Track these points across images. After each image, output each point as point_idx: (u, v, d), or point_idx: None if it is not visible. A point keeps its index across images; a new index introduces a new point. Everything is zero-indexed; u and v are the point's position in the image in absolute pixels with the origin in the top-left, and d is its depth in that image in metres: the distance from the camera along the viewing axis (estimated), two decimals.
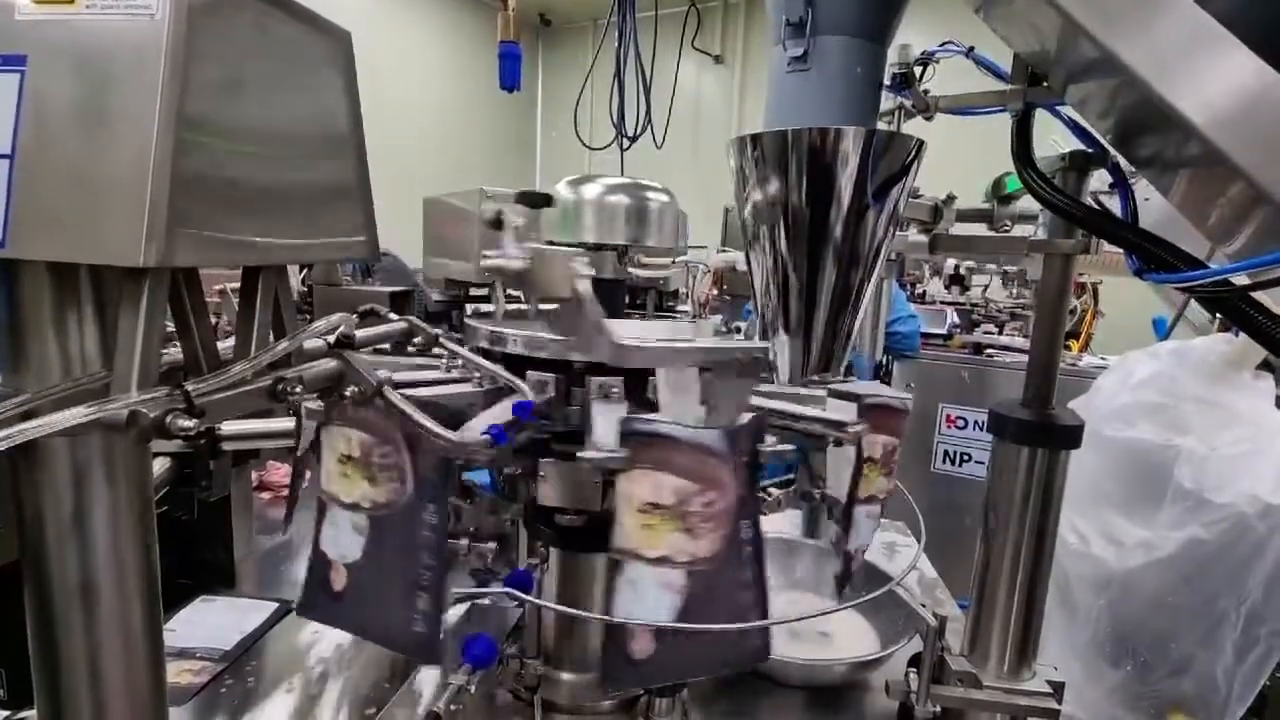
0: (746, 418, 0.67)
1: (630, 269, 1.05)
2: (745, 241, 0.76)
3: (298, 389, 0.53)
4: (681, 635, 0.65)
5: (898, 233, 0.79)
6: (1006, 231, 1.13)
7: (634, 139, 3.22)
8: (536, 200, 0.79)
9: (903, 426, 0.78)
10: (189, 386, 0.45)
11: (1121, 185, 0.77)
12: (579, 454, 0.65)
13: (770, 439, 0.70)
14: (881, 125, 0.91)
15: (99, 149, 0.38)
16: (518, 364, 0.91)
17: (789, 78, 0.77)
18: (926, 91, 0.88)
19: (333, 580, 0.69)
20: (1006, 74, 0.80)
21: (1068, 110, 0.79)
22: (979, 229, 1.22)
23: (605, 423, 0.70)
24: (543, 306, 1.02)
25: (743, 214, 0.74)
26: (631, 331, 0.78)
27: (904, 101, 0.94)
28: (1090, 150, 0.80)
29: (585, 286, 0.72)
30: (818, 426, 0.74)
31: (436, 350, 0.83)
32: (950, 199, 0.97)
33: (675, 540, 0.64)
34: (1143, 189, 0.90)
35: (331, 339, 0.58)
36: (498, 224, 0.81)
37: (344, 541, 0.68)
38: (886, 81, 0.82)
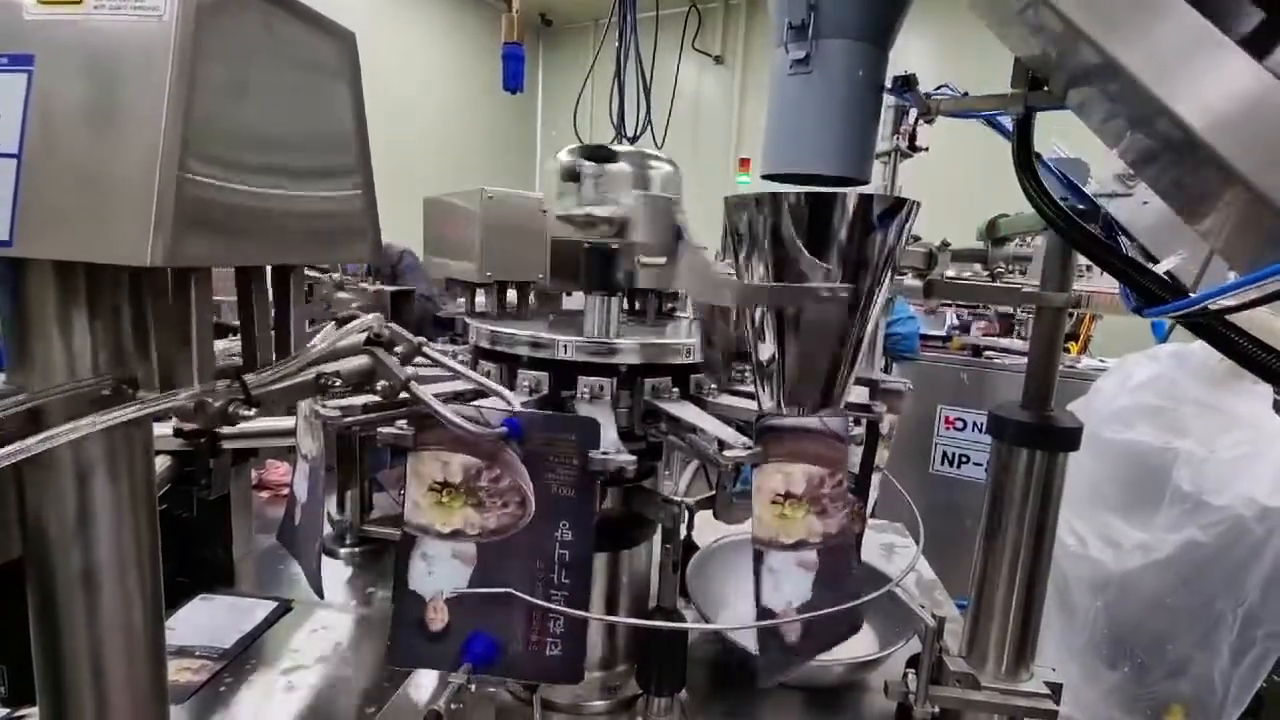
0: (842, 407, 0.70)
1: (630, 270, 1.06)
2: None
3: (337, 383, 0.57)
4: (810, 608, 0.69)
5: (894, 278, 0.80)
6: (1001, 272, 1.14)
7: (634, 139, 3.22)
8: (602, 155, 0.80)
9: (835, 455, 0.74)
10: (247, 379, 0.49)
11: (1110, 235, 0.78)
12: (725, 454, 0.68)
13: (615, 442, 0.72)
14: (877, 166, 0.92)
15: (106, 149, 0.38)
16: (512, 363, 0.91)
17: (790, 80, 0.77)
18: (928, 95, 0.88)
19: (430, 621, 0.67)
20: (1006, 129, 0.81)
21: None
22: (975, 266, 1.24)
23: (713, 422, 0.75)
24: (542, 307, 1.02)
25: (736, 266, 0.75)
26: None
27: (899, 145, 0.95)
28: (1082, 207, 0.82)
29: (685, 222, 0.74)
30: (703, 444, 0.78)
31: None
32: (944, 245, 0.98)
33: (810, 522, 0.68)
34: (1143, 192, 0.90)
35: (361, 339, 0.62)
36: (574, 175, 0.83)
37: (442, 574, 0.67)
38: (888, 84, 0.82)
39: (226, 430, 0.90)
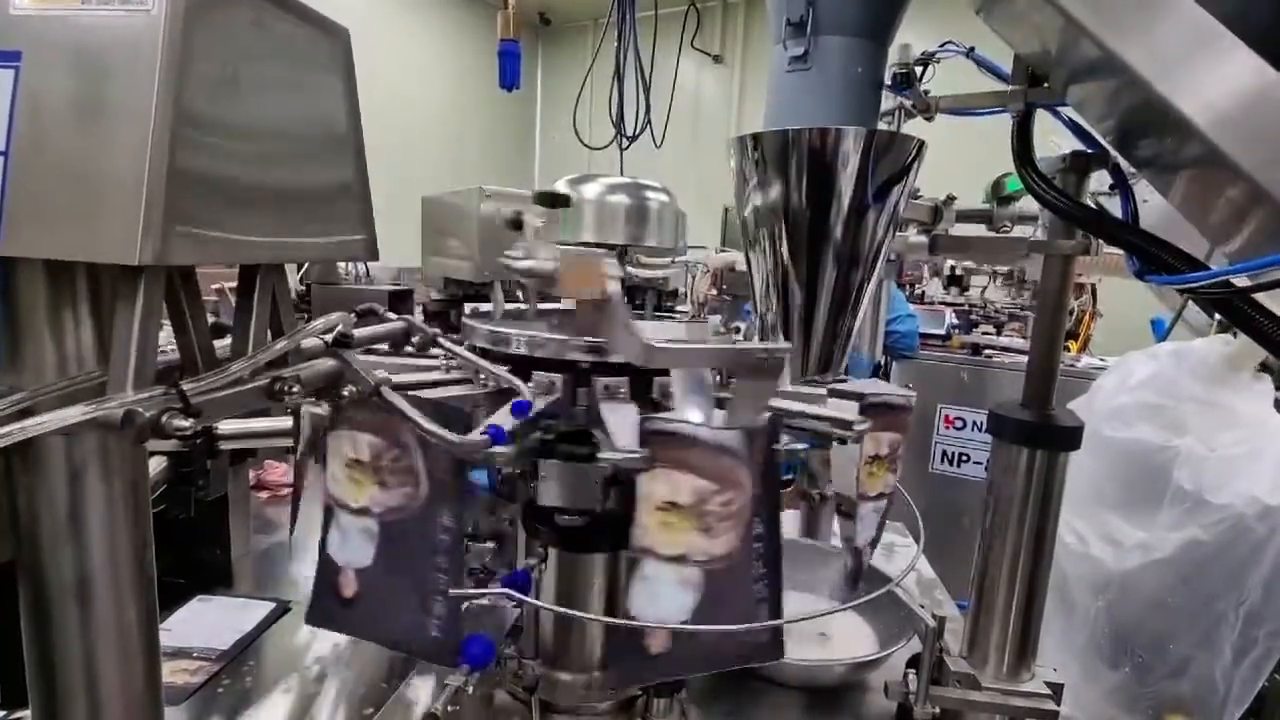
0: (764, 418, 0.67)
1: (629, 269, 1.05)
2: (745, 241, 0.76)
3: (295, 388, 0.53)
4: (690, 637, 0.66)
5: (897, 233, 0.79)
6: (1006, 232, 1.13)
7: (633, 138, 3.22)
8: (554, 200, 0.79)
9: (907, 423, 0.79)
10: (185, 386, 0.44)
11: (1122, 186, 0.77)
12: (599, 454, 0.66)
13: (783, 438, 0.70)
14: (882, 125, 0.91)
15: (95, 146, 0.38)
16: (519, 364, 0.91)
17: (789, 77, 0.77)
18: (927, 92, 0.87)
19: (342, 586, 0.68)
20: (1007, 74, 0.80)
21: (1068, 111, 0.79)
22: (979, 229, 1.22)
23: (622, 423, 0.71)
24: (542, 306, 1.02)
25: (742, 214, 0.74)
26: (668, 333, 0.78)
27: (904, 101, 0.94)
28: (1091, 151, 0.80)
29: (615, 288, 0.72)
30: (825, 425, 0.74)
31: (436, 350, 0.83)
32: (950, 200, 0.96)
33: (692, 539, 0.64)
34: (1143, 189, 0.90)
35: (329, 338, 0.58)
36: (517, 225, 0.81)
37: (352, 547, 0.67)
38: (887, 81, 0.81)
39: (224, 430, 0.90)
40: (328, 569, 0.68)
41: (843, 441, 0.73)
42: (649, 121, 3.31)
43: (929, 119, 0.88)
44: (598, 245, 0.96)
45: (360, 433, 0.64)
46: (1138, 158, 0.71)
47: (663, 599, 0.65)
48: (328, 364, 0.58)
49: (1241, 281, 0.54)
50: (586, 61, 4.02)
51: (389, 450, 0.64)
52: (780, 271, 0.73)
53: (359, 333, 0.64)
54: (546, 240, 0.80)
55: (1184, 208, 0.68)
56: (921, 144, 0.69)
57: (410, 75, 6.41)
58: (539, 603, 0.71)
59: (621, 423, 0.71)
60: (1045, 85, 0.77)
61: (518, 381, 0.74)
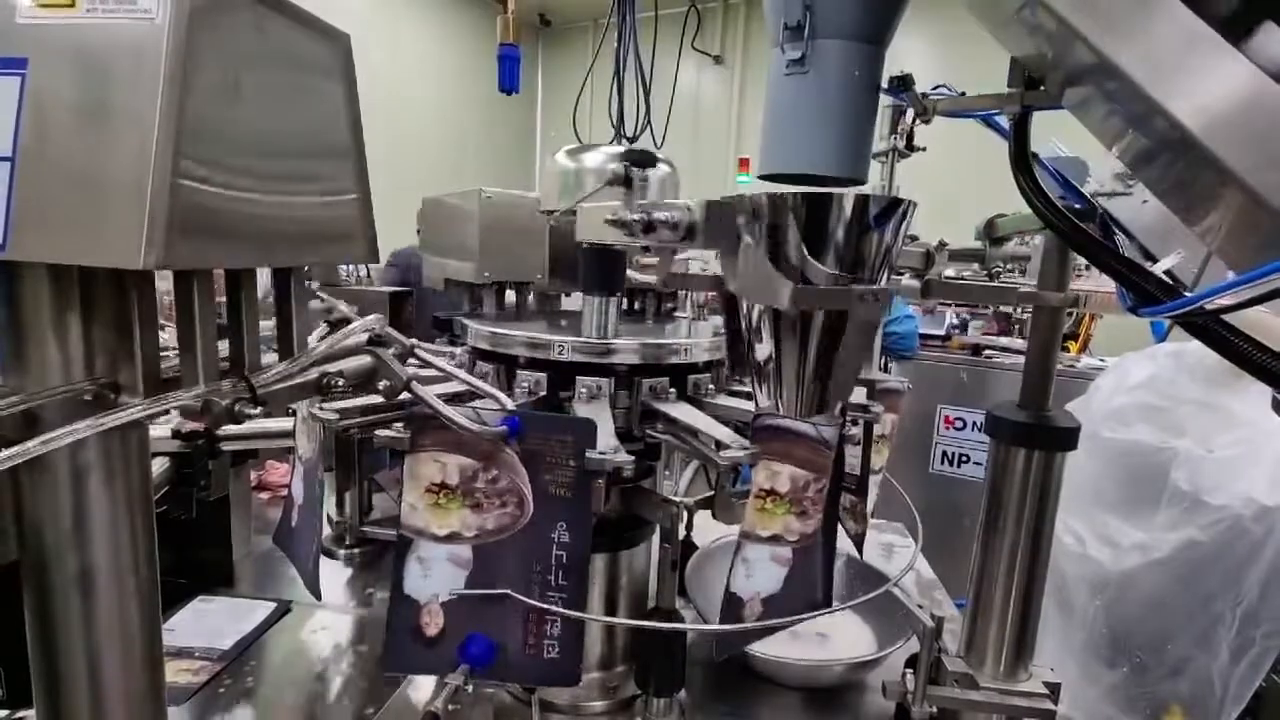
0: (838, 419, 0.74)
1: (629, 271, 1.06)
2: (737, 291, 0.77)
3: (340, 383, 0.58)
4: (778, 601, 0.74)
5: (891, 278, 0.81)
6: (999, 273, 1.14)
7: (634, 139, 3.22)
8: (645, 160, 0.80)
9: (820, 460, 0.75)
10: (252, 379, 0.49)
11: (1107, 235, 0.78)
12: (723, 454, 0.71)
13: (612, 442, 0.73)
14: (875, 165, 0.92)
15: (99, 152, 0.38)
16: (510, 364, 0.91)
17: (787, 80, 0.77)
18: (924, 95, 0.88)
19: (425, 626, 0.67)
20: (1003, 129, 0.81)
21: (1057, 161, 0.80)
22: (973, 265, 1.23)
23: (714, 425, 0.78)
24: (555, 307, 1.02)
25: (725, 266, 0.75)
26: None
27: (896, 145, 0.95)
28: (1079, 206, 0.82)
29: (755, 232, 0.73)
30: (699, 444, 0.79)
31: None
32: (941, 245, 0.98)
33: (788, 521, 0.71)
34: (1142, 191, 0.90)
35: (364, 339, 0.63)
36: (627, 181, 0.82)
37: (438, 578, 0.67)
38: (884, 84, 0.82)
39: (225, 431, 0.90)
40: (405, 609, 0.67)
41: (710, 463, 0.77)
42: (649, 122, 3.31)
43: (926, 122, 0.88)
44: None
45: (449, 454, 0.66)
46: (1133, 161, 0.72)
47: (757, 576, 0.72)
48: (365, 360, 0.62)
49: (1217, 303, 0.55)
50: (586, 62, 4.02)
51: (485, 471, 0.66)
52: (773, 323, 0.75)
53: (326, 345, 0.66)
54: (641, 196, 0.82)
55: (1180, 212, 0.68)
56: (912, 205, 0.71)
57: (410, 75, 6.42)
58: (539, 604, 0.71)
59: (709, 422, 0.79)
60: (1042, 88, 0.77)
61: (498, 394, 0.75)
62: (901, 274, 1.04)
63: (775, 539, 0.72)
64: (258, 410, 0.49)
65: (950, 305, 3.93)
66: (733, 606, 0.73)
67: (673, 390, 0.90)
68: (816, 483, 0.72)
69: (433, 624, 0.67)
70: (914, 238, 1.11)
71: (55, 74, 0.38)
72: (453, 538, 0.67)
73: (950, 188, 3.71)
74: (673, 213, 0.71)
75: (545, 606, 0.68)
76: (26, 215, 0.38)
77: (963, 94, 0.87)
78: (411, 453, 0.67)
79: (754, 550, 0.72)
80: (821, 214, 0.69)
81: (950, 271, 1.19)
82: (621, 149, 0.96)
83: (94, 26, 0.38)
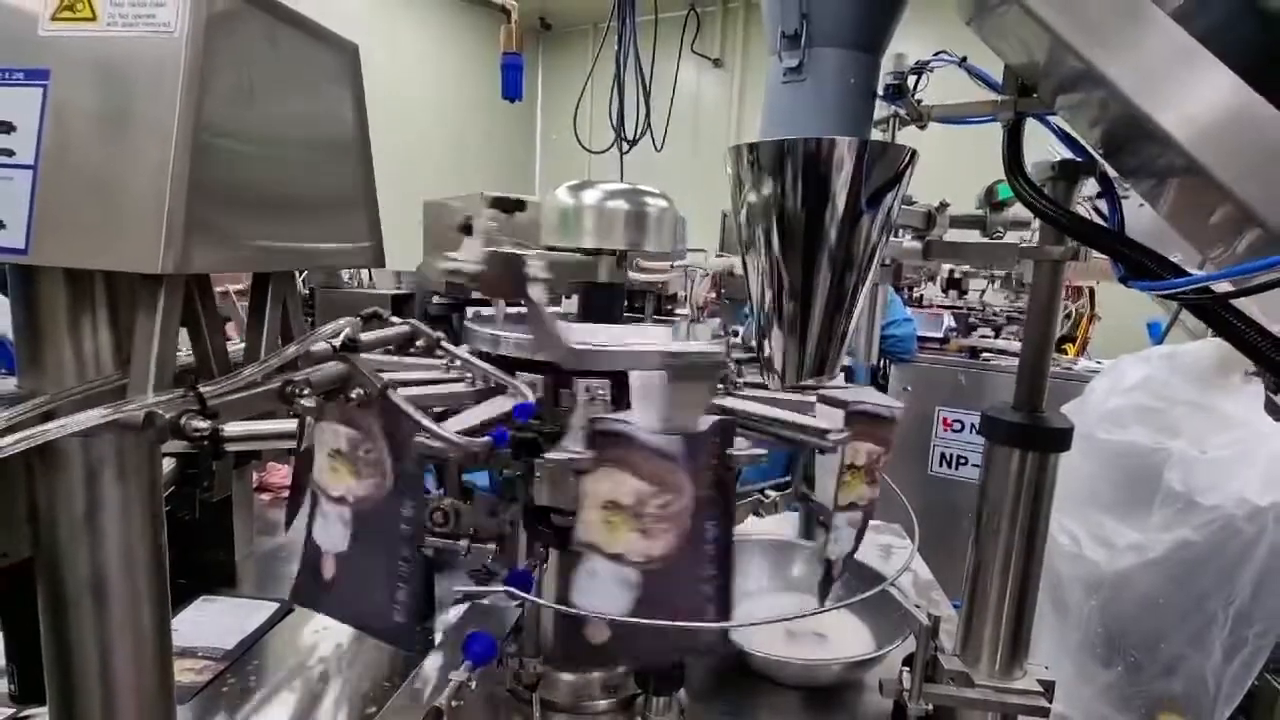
0: (708, 422, 0.68)
1: (629, 272, 1.07)
2: (741, 246, 0.78)
3: (305, 391, 0.54)
4: (636, 626, 0.67)
5: (892, 239, 0.81)
6: (999, 237, 1.14)
7: (633, 142, 3.24)
8: (509, 205, 0.81)
9: (890, 435, 0.81)
10: (202, 389, 0.46)
11: (1109, 194, 0.78)
12: (545, 454, 0.67)
13: (744, 442, 0.71)
14: (876, 132, 0.93)
15: (119, 160, 0.39)
16: (511, 366, 0.92)
17: (784, 88, 0.79)
18: (920, 101, 0.89)
19: (323, 569, 0.72)
20: (998, 84, 0.82)
21: (1057, 121, 0.81)
22: (973, 234, 1.24)
23: (579, 424, 0.73)
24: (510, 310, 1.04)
25: (738, 220, 0.76)
26: (609, 336, 0.80)
27: (898, 110, 0.96)
28: (1079, 160, 0.82)
29: (537, 291, 0.74)
30: (799, 433, 0.76)
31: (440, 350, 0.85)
32: (943, 206, 0.98)
33: (631, 539, 0.66)
34: (1137, 195, 0.92)
35: (337, 343, 0.59)
36: (468, 229, 0.82)
37: (332, 532, 0.70)
38: (880, 91, 0.83)
39: (230, 432, 0.91)
40: (312, 551, 0.72)
41: (820, 451, 0.75)
42: (649, 125, 3.34)
43: (921, 128, 0.89)
44: (597, 251, 0.98)
45: (342, 425, 0.67)
46: (1124, 167, 0.73)
47: (604, 593, 0.67)
48: (336, 367, 0.60)
49: (1221, 287, 0.56)
50: (587, 66, 4.05)
51: (363, 442, 0.66)
52: (775, 276, 0.75)
53: (366, 336, 0.66)
54: (502, 244, 0.83)
55: (1168, 216, 0.70)
56: (913, 153, 0.70)
57: (411, 79, 6.43)
58: (540, 601, 0.72)
59: (580, 423, 0.74)
60: (1034, 95, 0.78)
61: (520, 385, 0.75)
62: (903, 236, 1.04)
63: (618, 558, 0.67)
64: (205, 424, 0.46)
65: (948, 309, 3.95)
66: (829, 572, 0.76)
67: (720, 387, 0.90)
68: (659, 499, 0.65)
69: (328, 569, 0.71)
70: (912, 200, 1.11)
71: (77, 85, 0.39)
72: (340, 500, 0.68)
73: (947, 189, 3.73)
74: (458, 264, 0.73)
75: (684, 624, 0.68)
76: (48, 221, 0.40)
77: (963, 59, 0.87)
78: (319, 421, 0.66)
79: (598, 564, 0.67)
80: (826, 158, 0.68)
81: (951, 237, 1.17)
82: (627, 188, 0.97)
83: (114, 39, 0.39)
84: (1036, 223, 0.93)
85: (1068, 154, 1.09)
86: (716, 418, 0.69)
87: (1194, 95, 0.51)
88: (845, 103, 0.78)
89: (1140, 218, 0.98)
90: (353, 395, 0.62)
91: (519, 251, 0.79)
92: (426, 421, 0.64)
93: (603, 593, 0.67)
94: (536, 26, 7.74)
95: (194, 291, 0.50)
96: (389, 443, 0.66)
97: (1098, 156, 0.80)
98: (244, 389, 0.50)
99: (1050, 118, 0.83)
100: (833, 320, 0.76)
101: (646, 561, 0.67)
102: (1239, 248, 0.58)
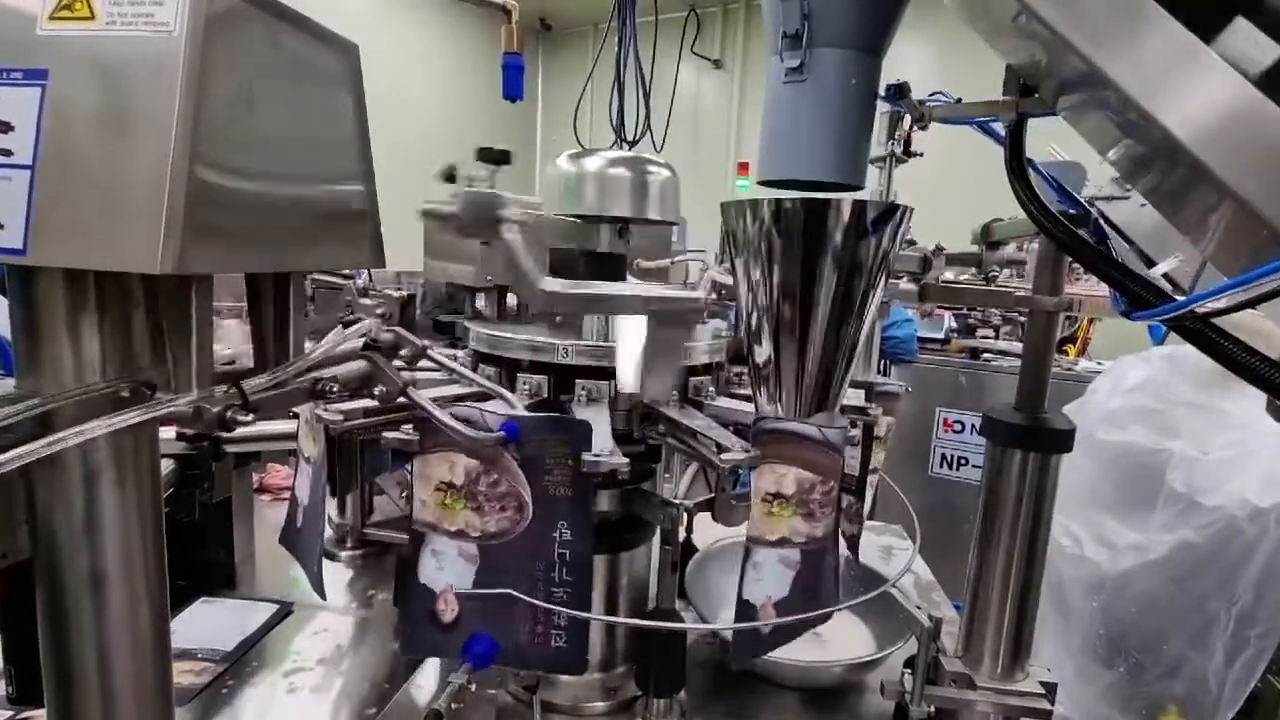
0: (843, 421, 0.74)
1: (630, 274, 1.07)
2: (737, 291, 0.79)
3: (334, 388, 0.58)
4: (789, 604, 0.74)
5: (889, 282, 0.82)
6: (995, 276, 1.16)
7: (634, 143, 3.23)
8: (496, 156, 0.81)
9: (831, 464, 0.74)
10: (244, 385, 0.49)
11: (1101, 240, 0.79)
12: (723, 457, 0.70)
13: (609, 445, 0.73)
14: (872, 171, 0.93)
15: (117, 160, 0.39)
16: (511, 367, 0.92)
17: (785, 88, 0.78)
18: (921, 102, 0.89)
19: (441, 613, 0.70)
20: (999, 135, 0.82)
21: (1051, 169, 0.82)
22: (969, 263, 1.25)
23: (714, 428, 0.78)
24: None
25: (733, 270, 0.77)
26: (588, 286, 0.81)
27: (894, 150, 0.97)
28: (1074, 212, 0.83)
29: (511, 232, 0.75)
30: (699, 446, 0.79)
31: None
32: (939, 250, 1.00)
33: (794, 524, 0.71)
34: (1140, 195, 0.92)
35: (360, 344, 0.62)
36: (450, 177, 0.83)
37: (450, 570, 0.70)
38: (881, 92, 0.83)
39: (229, 434, 0.91)
40: (423, 596, 0.70)
41: (711, 466, 0.76)
42: (649, 126, 3.34)
43: (923, 128, 0.89)
44: (599, 217, 0.97)
45: (457, 455, 0.68)
46: (1126, 170, 0.73)
47: (766, 580, 0.72)
48: (361, 365, 0.62)
49: (1209, 306, 0.56)
50: (587, 66, 4.05)
51: (487, 475, 0.68)
52: (771, 322, 0.76)
53: (346, 346, 0.66)
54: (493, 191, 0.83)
55: (1170, 216, 0.70)
56: (908, 210, 0.72)
57: (411, 79, 6.44)
58: (542, 603, 0.72)
59: (710, 425, 0.79)
60: (1036, 96, 0.78)
61: (506, 393, 0.75)
62: (900, 278, 1.06)
63: (782, 542, 0.73)
64: (250, 417, 0.49)
65: (950, 309, 3.95)
66: (746, 612, 0.73)
67: (675, 393, 0.91)
68: (823, 485, 0.73)
69: (449, 610, 0.70)
70: (912, 241, 1.13)
71: (75, 84, 0.39)
72: (460, 535, 0.69)
73: (948, 192, 3.73)
74: (434, 205, 0.75)
75: (546, 605, 0.70)
76: (47, 221, 0.39)
77: (959, 100, 0.88)
78: (421, 453, 0.69)
79: (762, 554, 0.73)
80: (819, 219, 0.70)
81: (948, 275, 1.21)
82: (629, 156, 0.97)
83: (113, 38, 0.39)
84: (1031, 260, 0.94)
85: (1068, 157, 1.09)
86: (554, 415, 0.73)
87: (1197, 94, 0.51)
88: (846, 104, 0.78)
89: (1141, 218, 0.98)
90: (376, 392, 0.64)
91: (496, 192, 0.79)
92: (443, 416, 0.65)
93: (769, 578, 0.72)
94: (536, 27, 7.75)
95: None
96: (526, 469, 0.68)
97: (1100, 156, 0.80)
98: (281, 385, 0.53)
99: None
100: (830, 366, 0.76)
101: (807, 542, 0.73)
102: (1243, 249, 0.58)
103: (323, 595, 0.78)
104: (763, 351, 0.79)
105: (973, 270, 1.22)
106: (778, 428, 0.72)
